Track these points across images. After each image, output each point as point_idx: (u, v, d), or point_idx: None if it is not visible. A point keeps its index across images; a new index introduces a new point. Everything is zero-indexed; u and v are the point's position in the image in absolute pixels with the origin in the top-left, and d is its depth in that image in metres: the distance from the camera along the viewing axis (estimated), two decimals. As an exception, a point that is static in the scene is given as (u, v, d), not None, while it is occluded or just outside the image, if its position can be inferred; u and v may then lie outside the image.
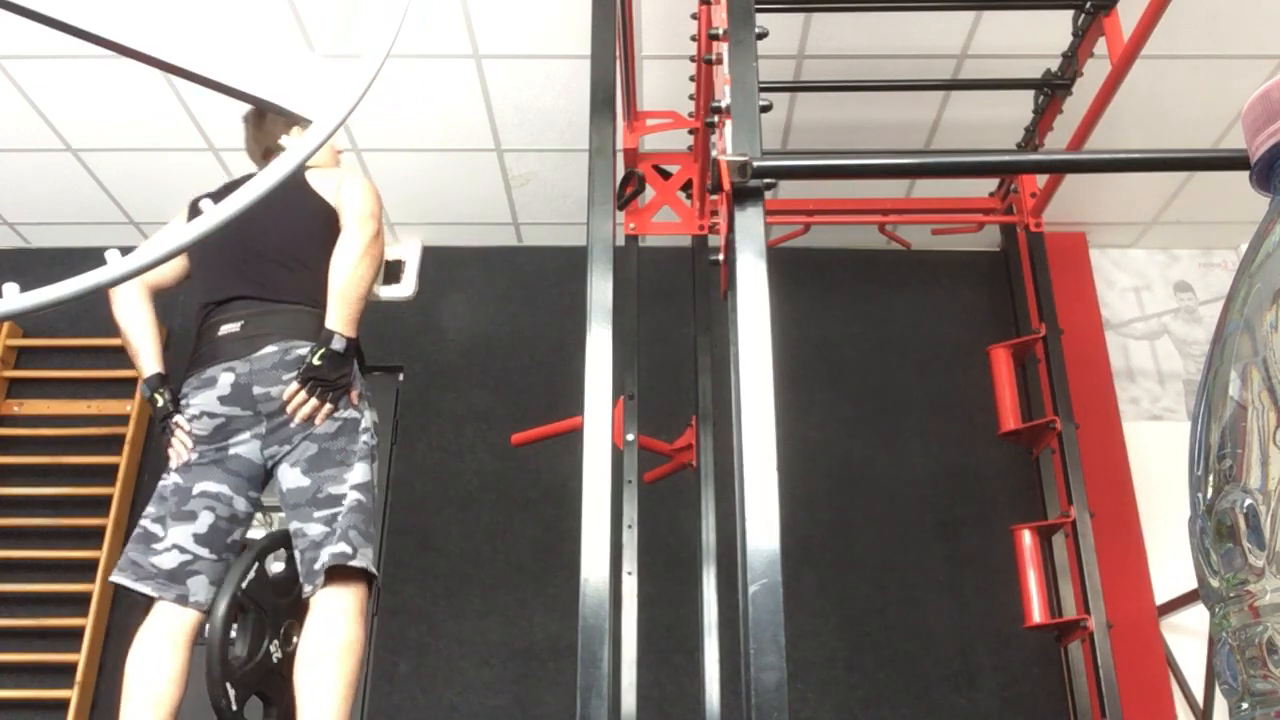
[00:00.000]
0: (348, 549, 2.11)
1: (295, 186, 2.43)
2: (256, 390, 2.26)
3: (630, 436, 2.95)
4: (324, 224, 2.43)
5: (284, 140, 2.56)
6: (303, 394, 2.23)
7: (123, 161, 3.75)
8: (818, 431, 3.83)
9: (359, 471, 2.25)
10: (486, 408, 3.88)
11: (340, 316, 2.26)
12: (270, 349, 2.29)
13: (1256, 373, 0.39)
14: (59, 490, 3.79)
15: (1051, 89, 2.98)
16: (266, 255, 2.40)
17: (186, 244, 0.76)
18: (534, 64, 3.31)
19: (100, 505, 3.73)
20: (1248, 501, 0.38)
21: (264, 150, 2.62)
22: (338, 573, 2.13)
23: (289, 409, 2.23)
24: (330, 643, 2.06)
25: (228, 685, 2.09)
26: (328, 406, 2.24)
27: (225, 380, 2.28)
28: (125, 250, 0.83)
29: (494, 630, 3.57)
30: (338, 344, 2.24)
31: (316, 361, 2.22)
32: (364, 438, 2.30)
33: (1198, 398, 0.43)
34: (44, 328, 4.06)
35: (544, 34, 3.17)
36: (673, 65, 3.23)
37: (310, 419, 2.24)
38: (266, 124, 2.61)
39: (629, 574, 2.90)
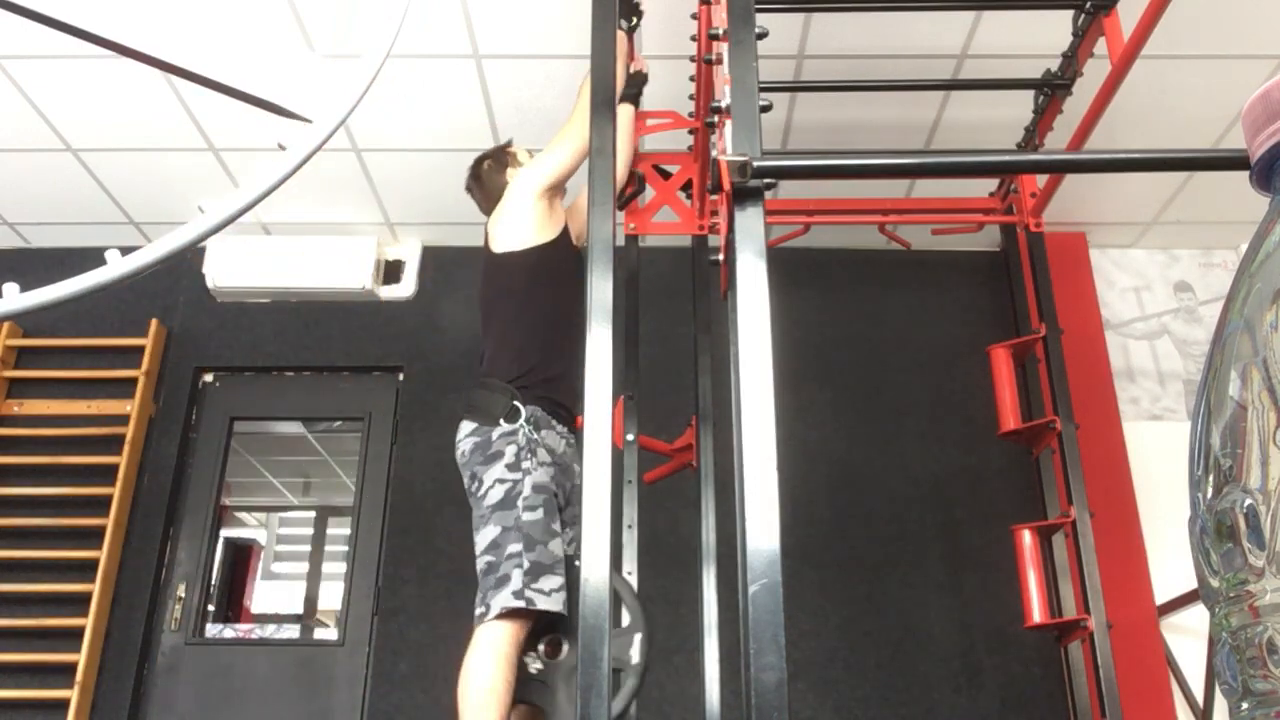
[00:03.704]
0: (481, 609, 2.29)
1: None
2: None
3: (630, 436, 2.95)
4: (496, 273, 2.69)
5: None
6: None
7: (123, 161, 3.75)
8: (817, 431, 3.83)
9: (483, 536, 2.36)
10: (486, 408, 3.87)
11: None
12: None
13: (1256, 373, 0.38)
14: (59, 490, 3.79)
15: (1051, 89, 2.98)
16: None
17: (186, 245, 0.76)
18: (534, 64, 3.31)
19: (100, 505, 3.73)
20: (1248, 501, 0.38)
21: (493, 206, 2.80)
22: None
23: None
24: (461, 675, 2.23)
25: None
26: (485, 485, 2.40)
27: None
28: (125, 250, 0.83)
29: (494, 630, 3.56)
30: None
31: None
32: (487, 499, 2.39)
33: (1198, 398, 0.43)
34: (44, 328, 4.06)
35: (544, 34, 3.17)
36: (673, 65, 3.23)
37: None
38: (484, 183, 2.85)
39: (629, 574, 2.89)
